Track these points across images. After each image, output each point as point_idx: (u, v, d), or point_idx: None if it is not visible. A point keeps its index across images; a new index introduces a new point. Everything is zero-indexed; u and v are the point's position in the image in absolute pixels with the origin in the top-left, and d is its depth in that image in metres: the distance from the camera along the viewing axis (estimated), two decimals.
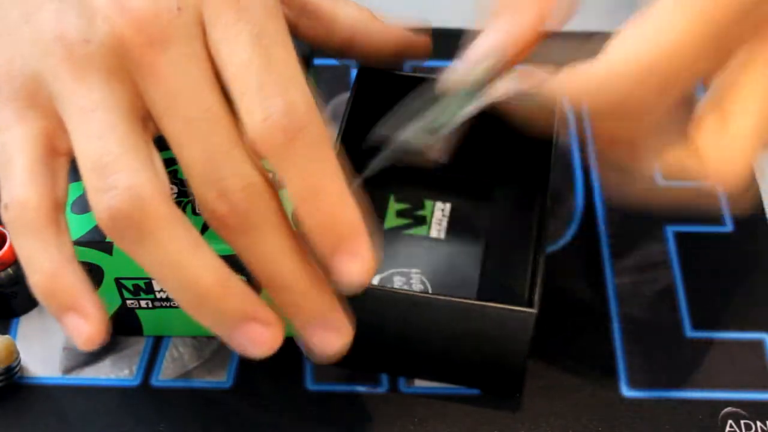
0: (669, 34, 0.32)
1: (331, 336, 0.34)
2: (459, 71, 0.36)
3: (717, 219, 0.51)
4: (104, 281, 0.42)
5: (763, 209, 0.51)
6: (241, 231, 0.31)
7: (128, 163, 0.31)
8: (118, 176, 0.30)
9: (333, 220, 0.31)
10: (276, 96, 0.31)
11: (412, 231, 0.48)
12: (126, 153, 0.31)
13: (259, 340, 0.32)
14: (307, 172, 0.31)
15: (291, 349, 0.45)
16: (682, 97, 0.34)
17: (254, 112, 0.31)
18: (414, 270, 0.47)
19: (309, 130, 0.31)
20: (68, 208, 0.40)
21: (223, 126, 0.31)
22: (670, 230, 0.50)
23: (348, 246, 0.32)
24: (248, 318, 0.32)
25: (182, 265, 0.31)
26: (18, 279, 0.45)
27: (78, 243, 0.40)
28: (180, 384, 0.44)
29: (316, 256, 0.32)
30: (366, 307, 0.41)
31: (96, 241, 0.40)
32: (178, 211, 0.31)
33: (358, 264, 0.32)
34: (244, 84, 0.31)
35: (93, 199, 0.31)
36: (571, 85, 0.34)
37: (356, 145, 0.40)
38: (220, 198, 0.31)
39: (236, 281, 0.32)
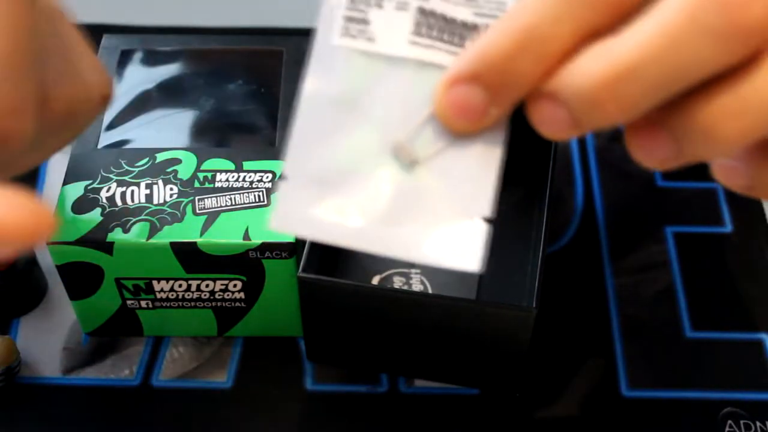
0: None
1: None
2: None
3: (717, 219, 0.51)
4: (104, 281, 0.42)
5: (762, 209, 0.51)
6: None
7: None
8: None
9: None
10: None
11: None
12: None
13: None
14: None
15: (291, 349, 0.45)
16: None
17: None
18: (414, 270, 0.47)
19: None
20: (68, 208, 0.41)
21: None
22: (670, 230, 0.50)
23: None
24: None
25: None
26: (18, 279, 0.45)
27: (78, 243, 0.40)
28: (180, 384, 0.44)
29: None
30: (366, 307, 0.41)
31: (96, 241, 0.40)
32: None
33: None
34: None
35: None
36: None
37: None
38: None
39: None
